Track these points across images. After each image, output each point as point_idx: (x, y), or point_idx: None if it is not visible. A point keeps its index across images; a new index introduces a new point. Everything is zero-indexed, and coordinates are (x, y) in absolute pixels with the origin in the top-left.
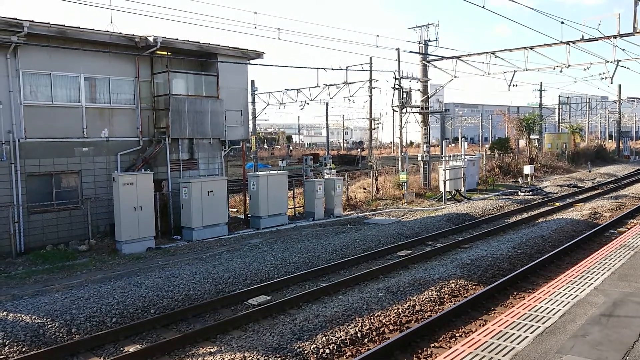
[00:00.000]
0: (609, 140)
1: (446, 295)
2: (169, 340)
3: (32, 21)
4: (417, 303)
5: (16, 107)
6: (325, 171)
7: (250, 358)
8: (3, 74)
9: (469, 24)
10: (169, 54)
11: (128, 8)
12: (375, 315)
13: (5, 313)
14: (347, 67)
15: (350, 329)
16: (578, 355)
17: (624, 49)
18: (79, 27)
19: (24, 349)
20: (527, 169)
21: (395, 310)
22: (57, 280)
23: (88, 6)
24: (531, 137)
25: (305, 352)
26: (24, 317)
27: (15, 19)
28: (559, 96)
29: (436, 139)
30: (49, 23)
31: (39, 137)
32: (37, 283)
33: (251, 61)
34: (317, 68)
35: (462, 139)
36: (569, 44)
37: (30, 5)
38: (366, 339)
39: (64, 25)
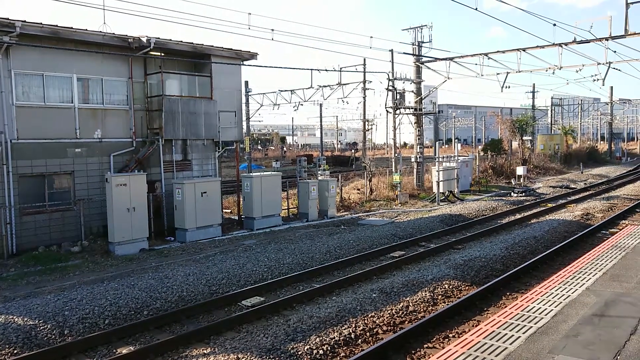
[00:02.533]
0: (601, 142)
1: (439, 296)
2: (162, 342)
3: (25, 21)
4: (410, 304)
5: (8, 107)
6: (319, 172)
7: (243, 359)
8: None
9: (463, 26)
10: (162, 54)
11: (121, 8)
12: (369, 316)
13: None
14: (340, 69)
15: (344, 329)
16: (570, 355)
17: (615, 51)
18: (71, 28)
19: (15, 351)
20: (520, 170)
21: (389, 311)
22: (50, 282)
23: (81, 6)
24: (524, 138)
25: (299, 353)
26: (16, 319)
27: (8, 19)
28: (552, 98)
29: (430, 140)
30: (41, 23)
31: (31, 137)
32: (29, 285)
33: (245, 62)
34: (311, 69)
35: (456, 140)
36: (562, 46)
37: (22, 5)
38: (360, 340)
39: (57, 26)
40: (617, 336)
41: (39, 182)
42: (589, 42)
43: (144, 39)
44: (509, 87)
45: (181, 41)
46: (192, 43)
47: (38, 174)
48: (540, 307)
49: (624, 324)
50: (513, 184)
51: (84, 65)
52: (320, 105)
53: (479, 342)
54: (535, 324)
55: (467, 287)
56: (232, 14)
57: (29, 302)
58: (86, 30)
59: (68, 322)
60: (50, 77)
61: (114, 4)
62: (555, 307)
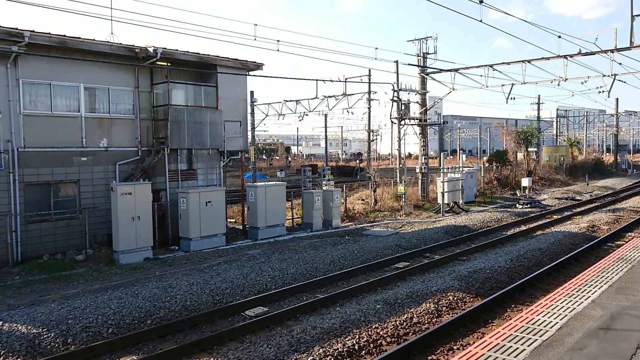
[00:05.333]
0: (607, 154)
1: (444, 308)
2: (165, 351)
3: (33, 31)
4: (414, 315)
5: (15, 116)
6: (323, 182)
7: None
8: (3, 84)
9: (468, 37)
10: (168, 64)
11: (129, 19)
12: (373, 327)
13: (0, 323)
14: (346, 79)
15: (348, 340)
16: None
17: (620, 63)
18: (79, 37)
19: None
20: (525, 182)
21: (393, 323)
22: (54, 290)
23: (89, 17)
24: (529, 149)
25: None
26: (20, 327)
27: (16, 28)
28: (557, 109)
29: (434, 151)
30: (49, 33)
31: (37, 146)
32: (34, 293)
33: (250, 72)
34: (316, 80)
35: (460, 151)
36: (567, 58)
37: (30, 15)
38: (363, 351)
39: (65, 36)
40: (623, 349)
41: (44, 190)
42: (594, 54)
43: (151, 49)
44: (514, 98)
45: (187, 51)
46: (199, 53)
47: (44, 182)
48: (545, 320)
49: (630, 337)
50: (518, 195)
51: (91, 75)
52: (325, 115)
53: (484, 354)
54: (540, 336)
55: (471, 299)
56: (238, 25)
57: (33, 310)
58: (94, 40)
59: (71, 331)
60: (58, 86)
61: (122, 15)
62: (561, 319)
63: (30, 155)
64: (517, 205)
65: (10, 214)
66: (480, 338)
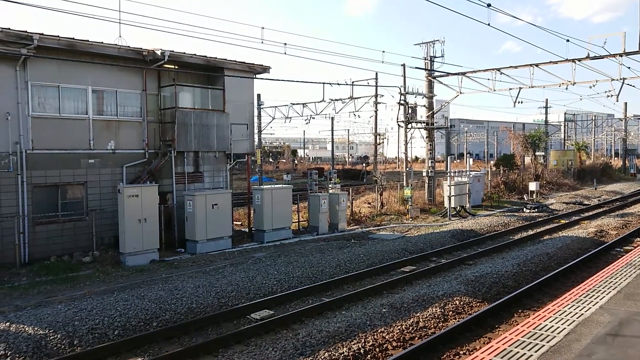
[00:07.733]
0: (615, 158)
1: (450, 312)
2: (170, 354)
3: (42, 34)
4: (420, 319)
5: (24, 118)
6: (330, 185)
7: None
8: (12, 86)
9: (476, 41)
10: (176, 67)
11: (137, 22)
12: (379, 331)
13: (8, 324)
14: (352, 82)
15: (353, 345)
16: None
17: (629, 67)
18: (87, 40)
19: None
20: (533, 186)
21: (399, 327)
22: (61, 292)
23: (97, 20)
24: (537, 153)
25: None
26: (27, 329)
27: (26, 31)
28: (565, 113)
29: (441, 155)
30: (58, 36)
31: (45, 148)
32: (40, 294)
33: (257, 75)
34: (323, 83)
35: (468, 154)
36: (575, 62)
37: (39, 17)
38: (369, 356)
39: (73, 38)
40: (632, 356)
41: (52, 192)
42: (602, 57)
43: (159, 52)
44: (522, 102)
45: (195, 54)
46: (206, 56)
47: (52, 184)
48: (552, 326)
49: (639, 344)
50: (525, 199)
51: (99, 77)
52: (332, 118)
53: (490, 359)
54: (547, 342)
55: (478, 304)
56: (245, 28)
57: (40, 311)
58: (102, 43)
59: (78, 332)
60: (66, 89)
61: (130, 18)
62: (568, 325)
63: (38, 157)
64: (525, 209)
65: (18, 216)
66: (487, 343)
